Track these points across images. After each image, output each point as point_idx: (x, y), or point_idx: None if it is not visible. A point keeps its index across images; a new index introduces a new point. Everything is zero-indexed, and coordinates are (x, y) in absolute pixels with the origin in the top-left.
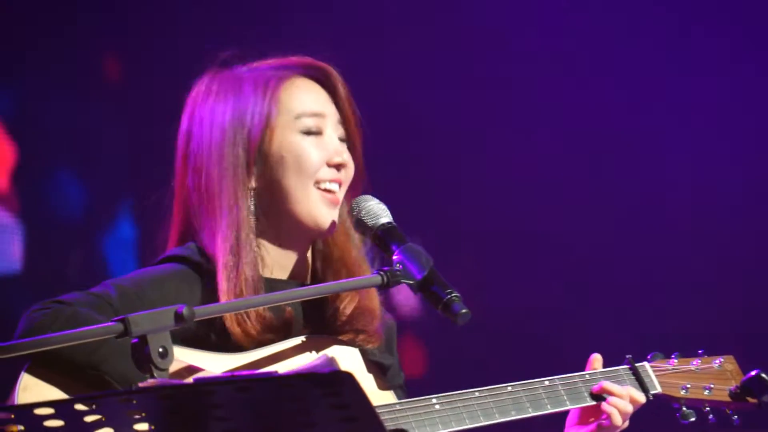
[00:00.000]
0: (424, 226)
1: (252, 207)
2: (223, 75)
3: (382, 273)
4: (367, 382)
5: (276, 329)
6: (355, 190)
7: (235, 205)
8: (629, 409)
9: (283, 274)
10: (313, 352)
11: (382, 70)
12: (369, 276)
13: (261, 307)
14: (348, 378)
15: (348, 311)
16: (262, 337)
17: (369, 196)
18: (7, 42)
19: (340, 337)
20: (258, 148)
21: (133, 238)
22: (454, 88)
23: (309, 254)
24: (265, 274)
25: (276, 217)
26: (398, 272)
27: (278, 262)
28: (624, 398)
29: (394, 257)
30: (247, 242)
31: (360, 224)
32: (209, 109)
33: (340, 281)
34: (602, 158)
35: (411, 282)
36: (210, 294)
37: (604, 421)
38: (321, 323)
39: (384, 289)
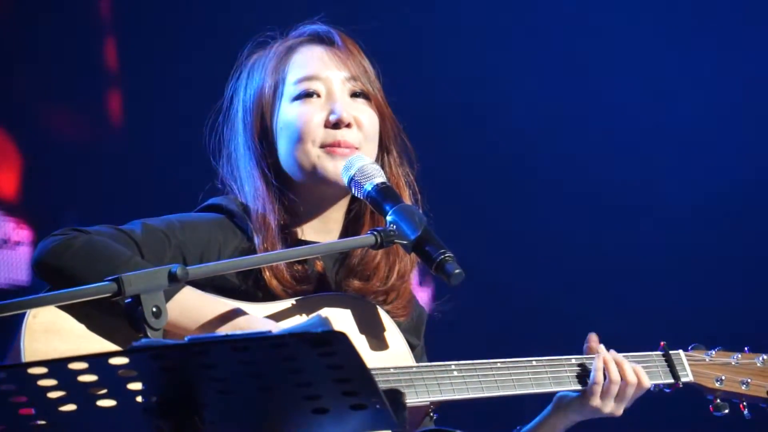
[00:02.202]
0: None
1: (273, 179)
2: (252, 55)
3: (375, 233)
4: (379, 340)
5: (308, 285)
6: (390, 142)
7: (256, 179)
8: (613, 390)
9: (317, 237)
10: (315, 311)
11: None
12: (362, 236)
13: (293, 263)
14: (341, 337)
15: (392, 305)
16: (297, 288)
17: (363, 156)
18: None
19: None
20: (265, 125)
21: None
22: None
23: (342, 215)
24: (299, 236)
25: (296, 184)
26: (392, 232)
27: (311, 224)
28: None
29: (388, 218)
30: (273, 214)
31: (354, 184)
32: (236, 88)
33: (335, 241)
34: (624, 144)
35: (404, 242)
36: (244, 245)
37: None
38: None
39: (377, 248)
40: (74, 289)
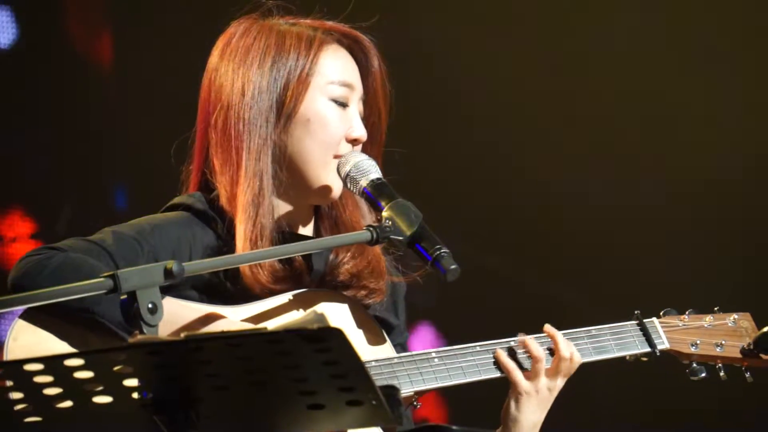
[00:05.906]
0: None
1: (272, 159)
2: (264, 22)
3: (371, 229)
4: (365, 335)
5: (287, 280)
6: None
7: (261, 153)
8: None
9: (294, 227)
10: (308, 306)
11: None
12: (359, 232)
13: (273, 259)
14: (338, 334)
15: (354, 270)
16: (274, 286)
17: (358, 152)
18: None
19: (344, 293)
20: (288, 103)
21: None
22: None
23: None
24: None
25: (290, 174)
26: (387, 228)
27: (290, 214)
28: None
29: (384, 213)
30: (267, 193)
31: (349, 180)
32: (244, 51)
33: (331, 236)
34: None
35: (400, 238)
36: (214, 242)
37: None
38: (329, 279)
39: (373, 245)
40: (70, 285)
